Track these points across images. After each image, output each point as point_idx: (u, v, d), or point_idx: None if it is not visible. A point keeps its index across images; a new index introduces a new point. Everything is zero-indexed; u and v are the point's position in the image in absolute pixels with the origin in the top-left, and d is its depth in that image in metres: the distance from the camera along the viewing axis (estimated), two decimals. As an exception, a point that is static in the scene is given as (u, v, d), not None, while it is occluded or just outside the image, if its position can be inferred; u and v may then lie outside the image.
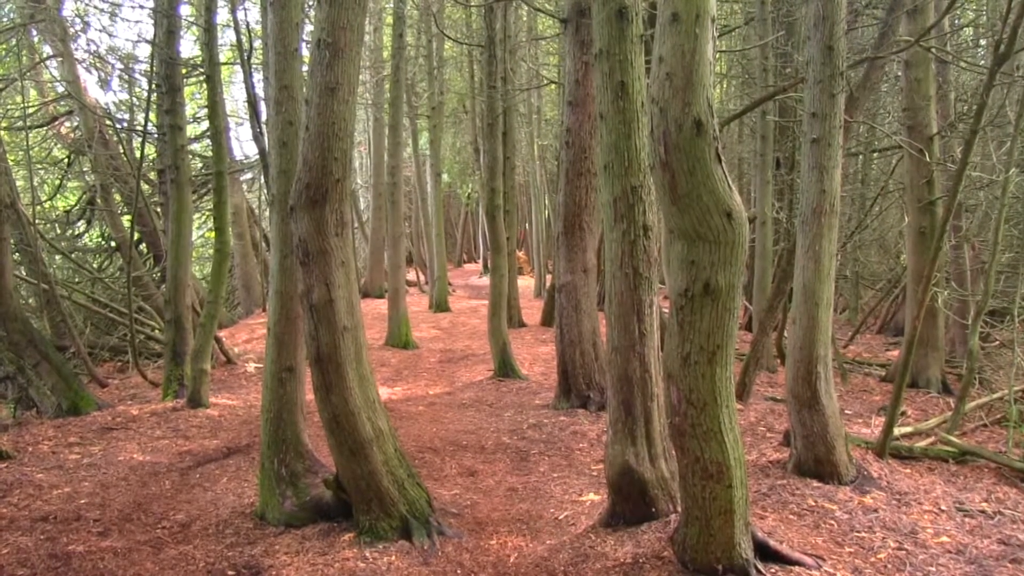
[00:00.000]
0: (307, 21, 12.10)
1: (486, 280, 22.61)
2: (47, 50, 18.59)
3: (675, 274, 4.29)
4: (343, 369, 5.41)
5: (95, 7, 19.24)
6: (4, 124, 15.37)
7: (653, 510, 5.61)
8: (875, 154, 17.13)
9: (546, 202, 28.97)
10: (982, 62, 13.13)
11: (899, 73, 12.53)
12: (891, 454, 7.53)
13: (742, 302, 16.39)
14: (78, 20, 18.66)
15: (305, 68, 6.45)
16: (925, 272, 7.46)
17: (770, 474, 6.97)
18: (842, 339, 16.16)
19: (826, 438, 6.73)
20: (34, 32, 17.64)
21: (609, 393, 5.99)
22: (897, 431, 7.98)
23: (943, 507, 6.24)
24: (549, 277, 23.45)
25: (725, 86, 23.09)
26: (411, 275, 31.10)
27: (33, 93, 19.29)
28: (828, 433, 6.73)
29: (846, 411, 9.92)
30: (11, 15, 18.04)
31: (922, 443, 8.15)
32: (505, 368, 12.61)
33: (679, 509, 5.13)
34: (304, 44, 7.72)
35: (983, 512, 6.23)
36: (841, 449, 6.76)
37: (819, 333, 6.86)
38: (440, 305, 23.64)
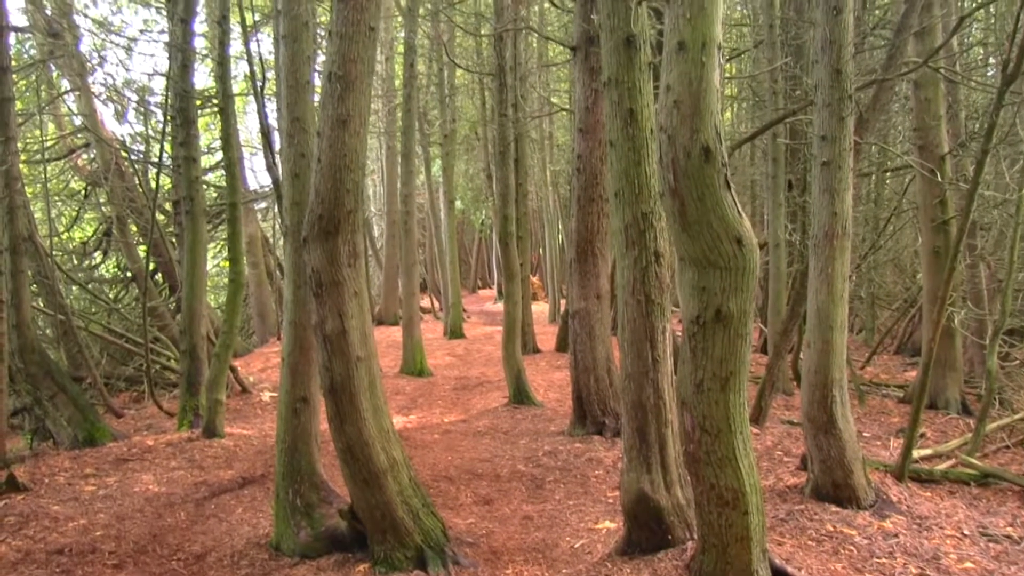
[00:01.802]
0: (319, 52, 12.22)
1: (500, 306, 22.63)
2: (65, 84, 18.86)
3: (686, 301, 4.29)
4: (357, 399, 5.42)
5: (112, 42, 19.55)
6: (23, 157, 15.54)
7: (669, 537, 5.56)
8: (888, 174, 17.09)
9: (559, 227, 29.00)
10: (992, 81, 13.13)
11: (909, 93, 12.52)
12: (911, 477, 7.45)
13: (756, 324, 16.33)
14: (95, 55, 18.97)
15: (316, 97, 6.50)
16: (940, 292, 7.41)
17: (787, 499, 6.91)
18: (859, 360, 16.05)
19: (844, 462, 6.67)
20: (53, 67, 17.90)
21: (623, 420, 5.97)
22: (916, 453, 7.91)
23: (966, 532, 6.16)
24: (563, 302, 23.43)
25: (736, 109, 23.16)
26: (425, 302, 31.15)
27: (51, 127, 19.52)
28: (846, 457, 6.68)
29: (864, 434, 9.84)
30: (31, 51, 18.32)
31: (942, 466, 8.07)
32: (520, 395, 12.57)
33: (695, 536, 5.09)
34: (316, 74, 7.80)
35: (1008, 537, 6.15)
36: (859, 473, 6.70)
37: (834, 356, 6.82)
38: (455, 332, 23.63)
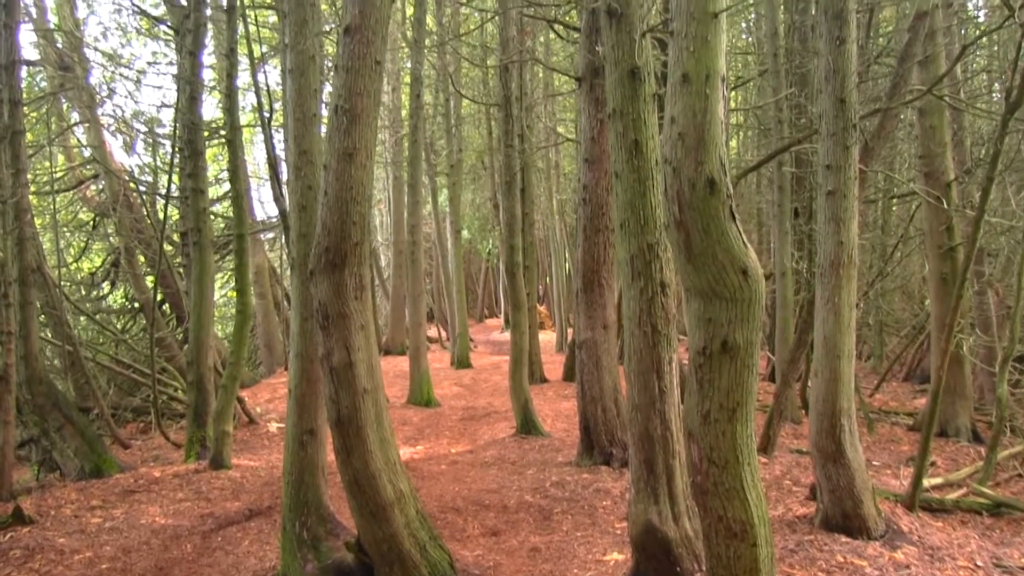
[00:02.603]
0: (326, 83, 12.30)
1: (507, 336, 22.62)
2: (75, 116, 19.04)
3: (692, 332, 4.28)
4: (364, 432, 5.41)
5: (121, 74, 19.77)
6: (33, 188, 15.69)
7: (678, 569, 5.52)
8: (894, 200, 17.11)
9: (566, 256, 29.03)
10: (997, 107, 13.15)
11: (914, 120, 12.57)
12: (921, 507, 7.40)
13: (764, 353, 16.28)
14: (104, 87, 19.19)
15: (324, 128, 6.55)
16: (948, 320, 7.40)
17: (797, 529, 6.86)
18: (867, 388, 15.99)
19: (853, 492, 6.63)
20: (63, 99, 18.09)
21: (631, 451, 5.95)
22: (927, 482, 7.86)
23: (979, 563, 6.10)
24: (570, 331, 23.41)
25: (741, 137, 23.23)
26: (432, 331, 31.14)
27: (61, 158, 19.72)
28: (855, 487, 6.63)
29: (873, 462, 9.78)
30: (42, 83, 18.53)
31: (954, 495, 8.01)
32: (527, 425, 12.53)
33: (704, 568, 5.05)
34: (323, 106, 7.85)
35: (1023, 569, 6.09)
36: (869, 503, 6.65)
37: (842, 385, 6.80)
38: (462, 362, 23.61)
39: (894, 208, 18.72)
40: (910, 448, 10.81)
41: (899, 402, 15.47)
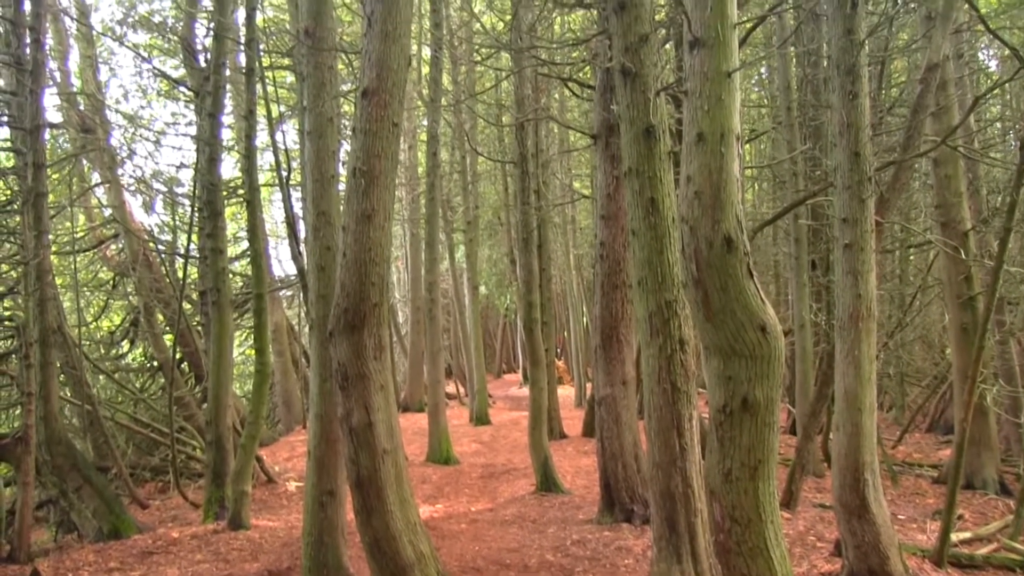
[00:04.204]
0: (343, 142, 12.47)
1: (526, 390, 22.54)
2: (96, 177, 19.35)
3: (712, 390, 4.27)
4: (384, 493, 5.40)
5: (141, 135, 20.11)
6: (54, 248, 15.92)
7: (703, 631, 5.44)
8: (911, 249, 17.07)
9: (583, 310, 29.03)
10: (1012, 154, 13.17)
11: (929, 170, 12.60)
12: (950, 562, 7.27)
13: (784, 405, 16.15)
14: (125, 148, 19.51)
15: (342, 185, 6.62)
16: (971, 371, 7.34)
17: (823, 588, 6.75)
18: (890, 439, 15.80)
19: (879, 547, 6.53)
20: (84, 160, 18.39)
21: (652, 509, 5.90)
22: (955, 537, 7.73)
23: (1010, 621, 5.98)
24: (589, 386, 23.30)
25: (756, 189, 23.32)
26: (450, 387, 31.04)
27: (81, 218, 19.95)
28: (880, 542, 6.53)
29: (899, 516, 9.63)
30: (65, 145, 18.88)
31: (984, 550, 7.86)
32: (547, 482, 12.43)
33: (730, 630, 4.97)
34: (341, 166, 7.96)
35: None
36: (895, 559, 6.54)
37: (864, 439, 6.73)
38: (480, 418, 23.49)
39: (911, 258, 18.67)
40: (936, 501, 10.63)
41: (923, 453, 15.27)
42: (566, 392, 30.55)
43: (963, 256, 10.72)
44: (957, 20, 10.44)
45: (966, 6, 9.82)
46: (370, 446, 5.38)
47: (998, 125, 17.74)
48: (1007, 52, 10.54)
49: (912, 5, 10.97)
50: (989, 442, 11.52)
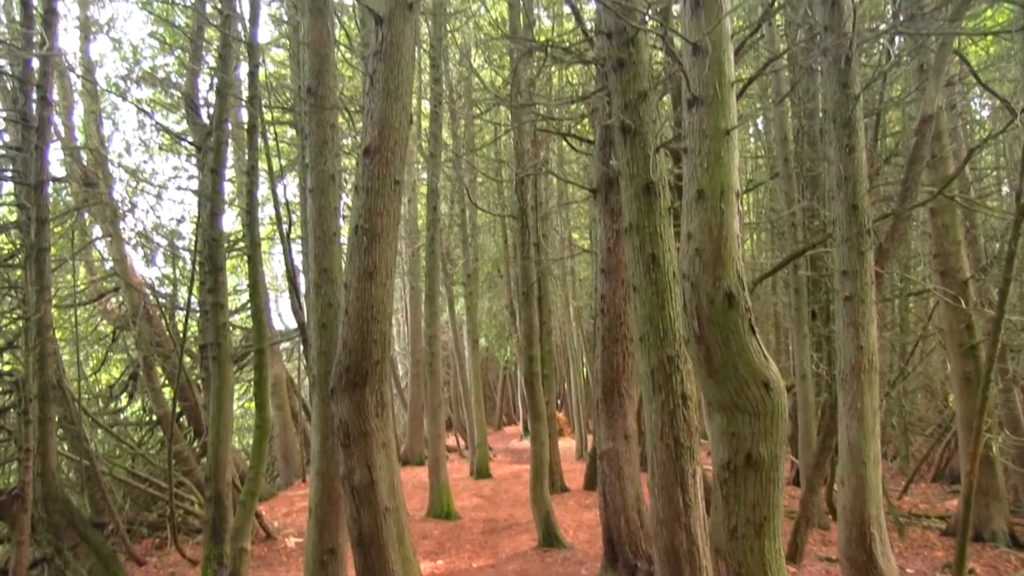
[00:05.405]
0: (344, 195, 12.53)
1: (526, 443, 22.39)
2: (97, 231, 19.42)
3: (716, 446, 4.25)
4: (386, 551, 5.35)
5: (142, 189, 20.26)
6: (55, 302, 15.93)
7: None
8: (911, 297, 17.07)
9: (584, 361, 28.94)
10: (1008, 203, 13.25)
11: (926, 218, 12.65)
12: (961, 619, 7.14)
13: (788, 457, 16.03)
14: (127, 201, 19.62)
15: (343, 240, 6.64)
16: (975, 423, 7.29)
17: (832, 646, 6.64)
18: (895, 490, 15.65)
19: (888, 605, 6.44)
20: (85, 214, 18.49)
21: (657, 566, 5.84)
22: (965, 593, 7.60)
23: None
24: (590, 438, 23.15)
25: (755, 239, 23.42)
26: (451, 440, 30.83)
27: (82, 271, 19.99)
28: (889, 600, 6.45)
29: (908, 570, 9.52)
30: (67, 199, 18.99)
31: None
32: (549, 537, 12.30)
33: None
34: (343, 221, 8.00)
35: None
36: (905, 617, 6.45)
37: (869, 492, 6.68)
38: (481, 472, 23.28)
39: (911, 306, 18.68)
40: (945, 554, 10.51)
41: (929, 504, 15.12)
42: (567, 444, 30.34)
43: (963, 305, 10.72)
44: (949, 72, 10.58)
45: (957, 59, 9.96)
46: (372, 504, 5.33)
47: (993, 174, 17.89)
48: (999, 103, 10.66)
49: (905, 58, 11.12)
50: (997, 493, 11.42)
